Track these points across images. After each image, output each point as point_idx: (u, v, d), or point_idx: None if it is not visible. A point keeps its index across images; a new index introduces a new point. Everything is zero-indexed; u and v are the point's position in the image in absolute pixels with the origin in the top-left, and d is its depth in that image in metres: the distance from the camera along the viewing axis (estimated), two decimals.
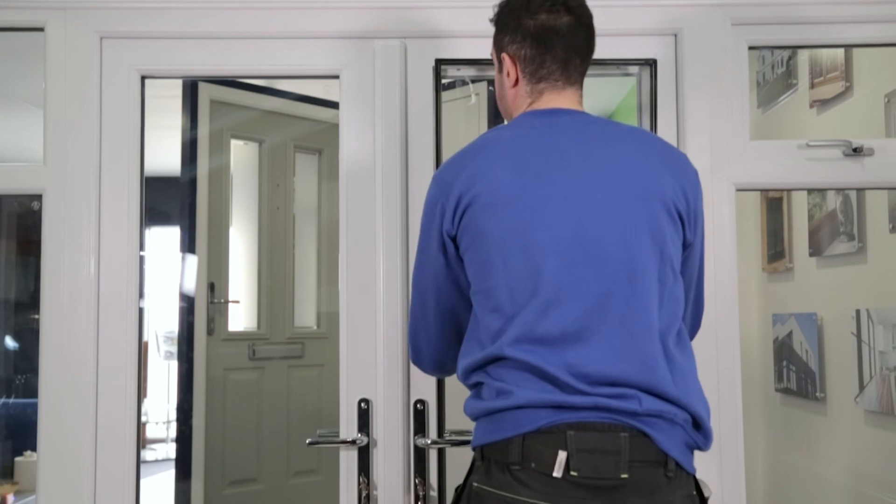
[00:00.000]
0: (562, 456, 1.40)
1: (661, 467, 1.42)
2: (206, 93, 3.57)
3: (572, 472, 1.39)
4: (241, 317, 3.88)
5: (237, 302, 3.82)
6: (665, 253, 1.50)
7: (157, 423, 8.02)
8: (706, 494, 1.53)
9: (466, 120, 3.05)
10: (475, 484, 1.49)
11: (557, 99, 1.63)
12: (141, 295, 2.17)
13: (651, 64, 2.16)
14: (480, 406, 1.50)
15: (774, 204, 3.64)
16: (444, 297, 1.64)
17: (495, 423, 1.47)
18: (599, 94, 6.01)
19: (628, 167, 1.52)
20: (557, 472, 1.40)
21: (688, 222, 1.57)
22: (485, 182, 1.53)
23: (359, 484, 2.09)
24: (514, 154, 1.55)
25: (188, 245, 3.57)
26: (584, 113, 1.64)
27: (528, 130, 1.59)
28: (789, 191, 3.43)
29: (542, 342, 1.45)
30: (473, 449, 1.54)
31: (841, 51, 3.03)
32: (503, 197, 1.51)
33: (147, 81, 2.22)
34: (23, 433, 4.68)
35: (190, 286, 3.56)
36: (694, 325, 1.77)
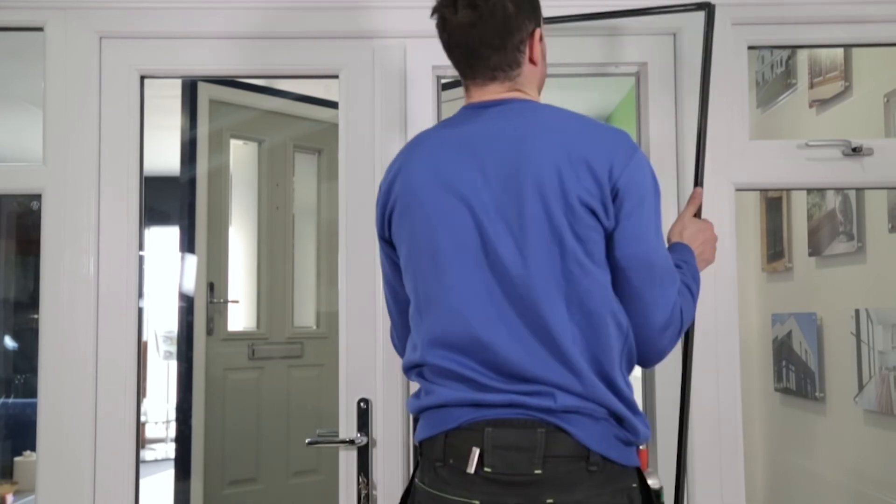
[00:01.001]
0: (475, 452, 1.42)
1: (582, 461, 1.41)
2: (205, 92, 3.56)
3: (486, 469, 1.41)
4: (240, 317, 3.87)
5: (236, 302, 3.82)
6: (567, 248, 1.43)
7: (156, 423, 8.02)
8: (654, 486, 1.53)
9: None
10: (416, 481, 1.54)
11: (479, 91, 1.59)
12: (140, 295, 2.17)
13: (707, 7, 2.03)
14: (415, 404, 1.55)
15: (774, 204, 3.64)
16: (399, 295, 1.69)
17: (426, 421, 1.52)
18: (598, 95, 6.01)
19: (531, 164, 1.46)
20: (471, 469, 1.42)
21: (604, 209, 1.44)
22: (403, 186, 1.56)
23: (358, 484, 2.09)
24: (430, 155, 1.56)
25: (187, 245, 3.57)
26: (514, 102, 1.57)
27: (450, 129, 1.58)
28: (789, 191, 3.43)
29: (454, 347, 1.48)
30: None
31: (840, 50, 3.03)
32: (415, 201, 1.54)
33: (146, 81, 2.22)
34: (22, 433, 4.67)
35: (189, 286, 3.55)
36: (642, 316, 1.49)
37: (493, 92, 1.58)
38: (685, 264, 1.63)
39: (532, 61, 1.59)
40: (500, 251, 1.45)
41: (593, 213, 1.44)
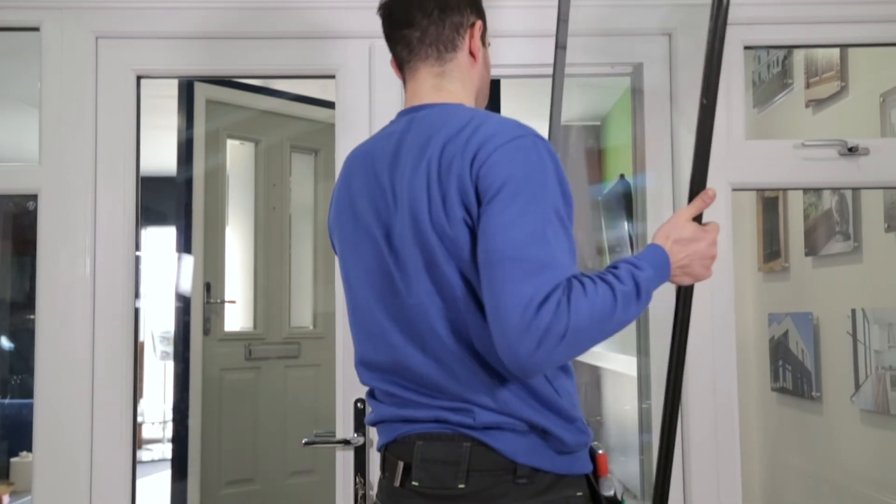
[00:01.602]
0: (400, 466, 1.43)
1: (508, 474, 1.37)
2: (202, 92, 3.56)
3: (414, 482, 1.40)
4: (237, 317, 3.87)
5: (233, 302, 3.82)
6: (440, 272, 1.36)
7: (153, 424, 8.01)
8: (608, 494, 1.46)
9: None
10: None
11: (413, 83, 1.54)
12: (137, 295, 2.17)
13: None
14: (367, 419, 1.58)
15: (770, 204, 3.64)
16: None
17: (378, 435, 1.54)
18: (593, 96, 6.01)
19: (408, 186, 1.40)
20: (396, 482, 1.43)
21: (468, 212, 1.33)
22: (332, 207, 1.58)
23: (355, 484, 2.09)
24: (350, 177, 1.54)
25: (184, 245, 3.56)
26: (419, 110, 1.49)
27: (369, 146, 1.55)
28: (785, 190, 3.44)
29: (378, 368, 1.48)
30: None
31: (836, 50, 3.03)
32: (336, 225, 1.55)
33: (143, 81, 2.22)
34: (18, 434, 4.67)
35: (186, 286, 3.55)
36: (494, 320, 1.27)
37: (422, 79, 1.52)
38: (624, 266, 1.35)
39: (471, 54, 1.53)
40: (394, 279, 1.42)
41: (465, 219, 1.34)
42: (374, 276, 1.46)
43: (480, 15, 1.56)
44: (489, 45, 1.62)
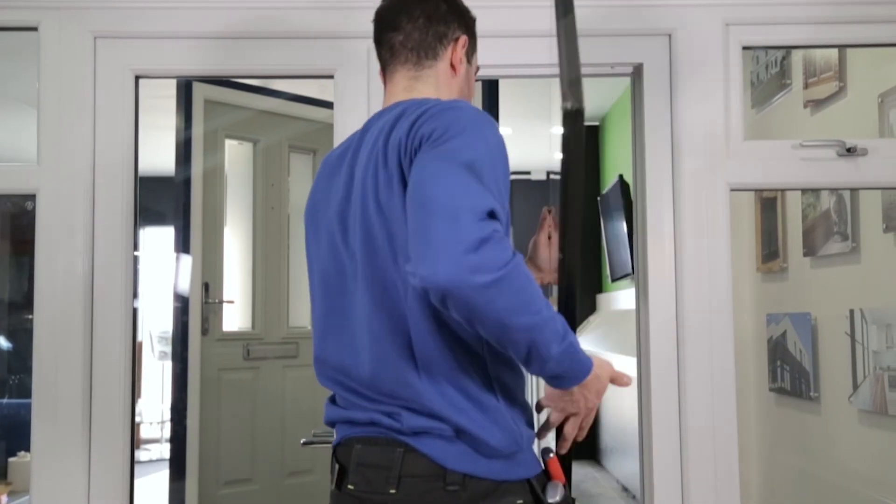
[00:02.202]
0: (336, 469, 1.44)
1: (439, 481, 1.34)
2: (200, 93, 3.56)
3: (350, 486, 1.40)
4: (235, 317, 3.87)
5: (232, 302, 3.82)
6: (380, 264, 1.37)
7: (151, 424, 8.01)
8: (553, 500, 1.40)
9: None
10: None
11: (389, 86, 1.58)
12: (135, 295, 2.17)
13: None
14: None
15: (768, 204, 3.65)
16: None
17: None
18: (594, 96, 6.01)
19: (361, 176, 1.42)
20: (332, 485, 1.44)
21: (397, 180, 1.34)
22: (306, 206, 1.60)
23: None
24: (321, 178, 1.57)
25: (182, 245, 3.57)
26: (387, 111, 1.48)
27: (338, 148, 1.58)
28: (783, 191, 3.44)
29: (329, 365, 1.48)
30: None
31: (834, 51, 3.03)
32: (306, 224, 1.58)
33: (141, 81, 2.22)
34: (16, 434, 4.67)
35: (184, 286, 3.55)
36: (416, 247, 1.21)
37: (398, 81, 1.55)
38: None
39: (452, 66, 1.56)
40: (345, 277, 1.44)
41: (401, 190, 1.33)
42: (327, 275, 1.48)
43: (469, 32, 1.60)
44: (477, 67, 1.65)
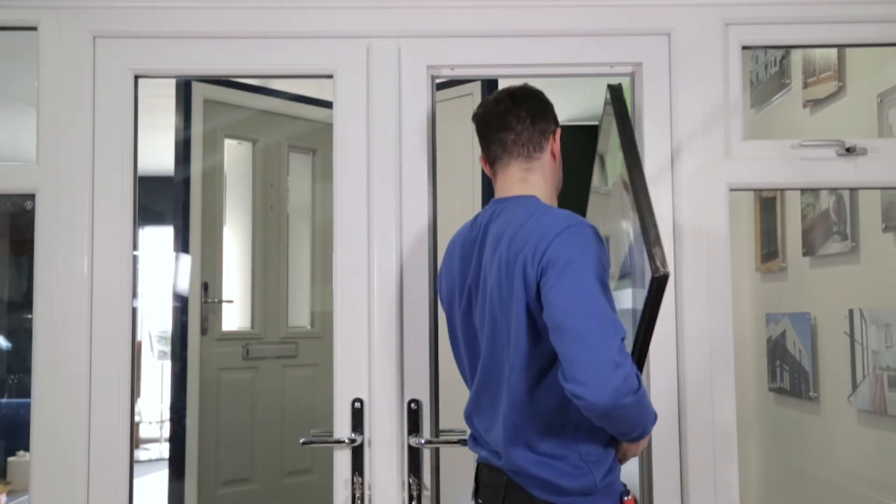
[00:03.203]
0: (474, 485, 1.84)
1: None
2: (199, 92, 3.57)
3: (480, 500, 1.80)
4: (234, 316, 3.87)
5: (231, 301, 3.82)
6: (504, 339, 1.69)
7: (150, 423, 8.00)
8: None
9: (461, 119, 3.05)
10: None
11: (503, 177, 1.83)
12: (134, 294, 2.17)
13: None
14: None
15: (768, 204, 3.65)
16: None
17: None
18: (592, 96, 6.01)
19: (488, 271, 1.72)
20: (471, 497, 1.85)
21: (529, 286, 1.62)
22: (441, 283, 1.90)
23: (353, 484, 2.09)
24: (452, 260, 1.86)
25: (182, 245, 3.57)
26: (506, 201, 1.79)
27: (465, 232, 1.86)
28: (783, 190, 3.44)
29: (470, 419, 1.87)
30: None
31: (834, 51, 3.03)
32: (447, 302, 1.88)
33: (140, 81, 2.22)
34: (16, 433, 4.67)
35: (184, 286, 3.55)
36: (567, 369, 1.51)
37: (512, 173, 1.81)
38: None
39: (553, 155, 1.83)
40: (481, 342, 1.77)
41: (529, 291, 1.62)
42: (470, 343, 1.81)
43: (558, 123, 1.87)
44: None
